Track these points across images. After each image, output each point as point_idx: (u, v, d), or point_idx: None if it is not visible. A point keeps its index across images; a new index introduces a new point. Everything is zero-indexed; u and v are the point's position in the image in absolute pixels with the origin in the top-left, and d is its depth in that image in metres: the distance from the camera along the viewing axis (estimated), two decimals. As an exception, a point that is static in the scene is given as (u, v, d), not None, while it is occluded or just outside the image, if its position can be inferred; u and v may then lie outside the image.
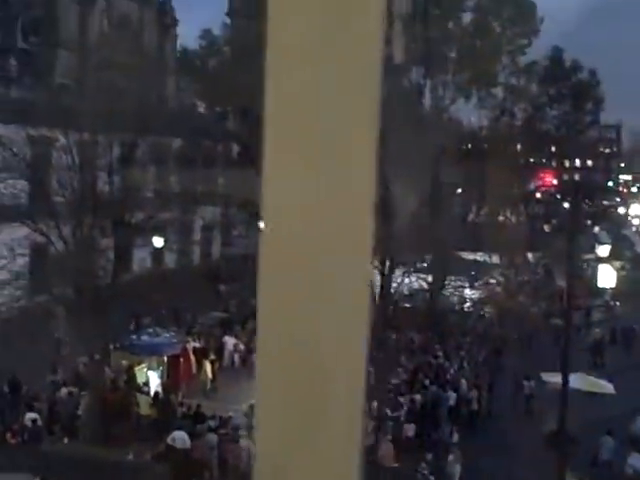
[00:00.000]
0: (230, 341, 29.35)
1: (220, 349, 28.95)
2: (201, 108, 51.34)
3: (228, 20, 61.88)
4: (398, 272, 24.68)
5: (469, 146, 44.86)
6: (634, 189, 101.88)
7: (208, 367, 25.90)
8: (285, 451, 0.80)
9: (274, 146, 0.78)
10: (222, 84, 45.38)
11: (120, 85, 33.30)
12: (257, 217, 0.79)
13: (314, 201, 0.77)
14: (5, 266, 23.20)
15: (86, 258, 22.95)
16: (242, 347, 28.60)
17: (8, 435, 20.50)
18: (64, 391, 22.96)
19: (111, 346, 25.07)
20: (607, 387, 24.05)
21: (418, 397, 24.32)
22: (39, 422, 21.00)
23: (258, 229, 0.80)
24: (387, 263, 23.87)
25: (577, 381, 21.38)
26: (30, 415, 21.02)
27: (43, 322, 25.55)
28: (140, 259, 30.62)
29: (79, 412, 22.17)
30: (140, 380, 24.08)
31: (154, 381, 24.22)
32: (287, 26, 0.77)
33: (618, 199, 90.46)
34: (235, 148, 44.75)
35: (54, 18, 41.13)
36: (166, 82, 48.53)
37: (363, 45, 0.77)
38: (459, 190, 42.14)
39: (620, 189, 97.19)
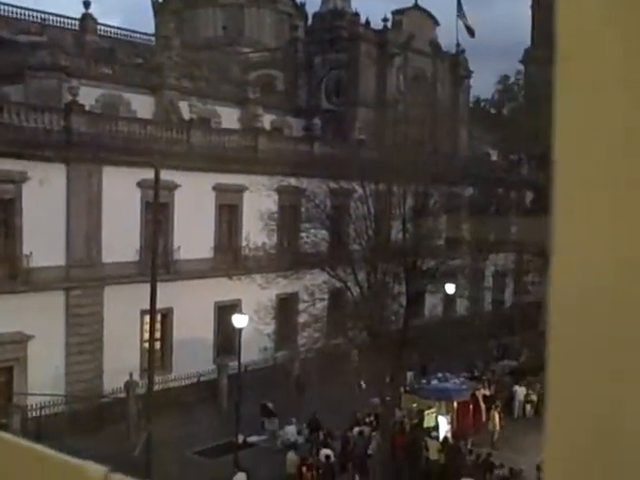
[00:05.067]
0: (521, 391, 28.63)
1: (510, 398, 28.40)
2: (494, 156, 51.33)
3: (522, 67, 61.87)
4: None
5: None
6: None
7: (496, 416, 25.47)
8: None
9: (564, 191, 0.74)
10: (517, 131, 45.25)
11: (415, 137, 34.60)
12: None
13: (609, 250, 0.71)
14: (306, 309, 24.85)
15: (380, 303, 23.84)
16: (534, 397, 27.74)
17: (303, 469, 21.62)
18: (356, 430, 23.87)
19: (402, 389, 25.69)
20: None
21: None
22: (332, 458, 22.01)
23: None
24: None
25: None
26: (325, 451, 22.13)
27: (339, 363, 26.88)
28: (432, 305, 31.05)
29: (370, 451, 22.86)
30: (429, 424, 24.32)
31: (443, 427, 24.32)
32: (577, 67, 0.73)
33: None
34: (529, 195, 44.07)
35: (355, 78, 43.77)
36: (459, 132, 49.29)
37: None
38: None
39: None
